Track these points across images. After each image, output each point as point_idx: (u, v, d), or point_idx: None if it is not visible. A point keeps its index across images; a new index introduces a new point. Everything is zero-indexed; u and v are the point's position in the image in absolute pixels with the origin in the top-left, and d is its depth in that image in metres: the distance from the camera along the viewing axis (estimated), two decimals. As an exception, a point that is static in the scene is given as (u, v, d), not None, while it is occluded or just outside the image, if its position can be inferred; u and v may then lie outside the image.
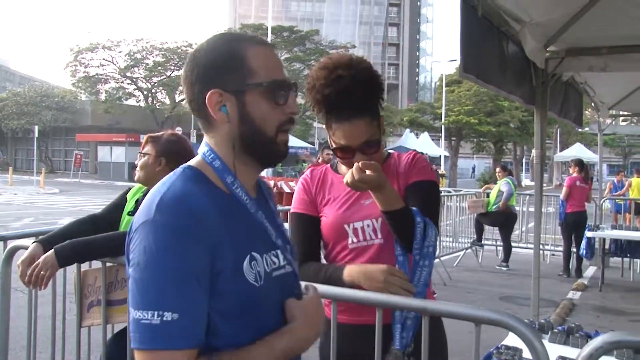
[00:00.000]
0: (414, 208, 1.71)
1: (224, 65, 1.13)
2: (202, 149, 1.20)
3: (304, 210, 1.91)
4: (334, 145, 1.82)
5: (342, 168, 1.91)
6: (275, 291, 1.16)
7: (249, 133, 1.14)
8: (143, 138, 2.78)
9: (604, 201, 9.74)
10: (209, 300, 1.03)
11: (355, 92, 1.71)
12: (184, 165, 1.17)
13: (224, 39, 1.17)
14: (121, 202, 2.72)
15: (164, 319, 0.96)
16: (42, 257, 2.22)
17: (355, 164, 1.63)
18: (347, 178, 1.64)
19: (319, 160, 8.40)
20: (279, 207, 9.14)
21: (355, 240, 1.82)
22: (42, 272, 2.20)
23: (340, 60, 1.77)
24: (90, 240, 2.29)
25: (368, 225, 1.81)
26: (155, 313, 0.96)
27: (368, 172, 1.60)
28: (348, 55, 1.81)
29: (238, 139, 1.15)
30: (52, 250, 2.23)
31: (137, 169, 2.64)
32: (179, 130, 23.94)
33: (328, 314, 1.78)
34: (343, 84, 1.71)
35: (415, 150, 1.91)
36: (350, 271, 1.72)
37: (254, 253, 1.10)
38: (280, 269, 1.18)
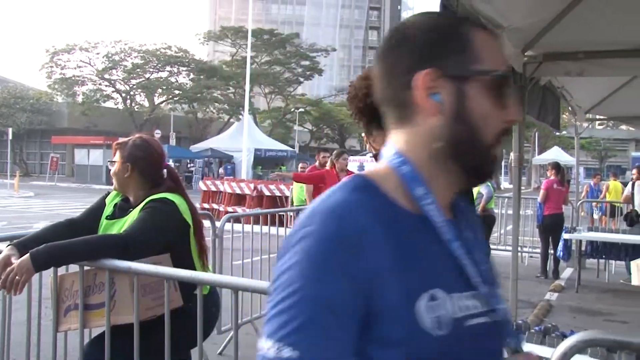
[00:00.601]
0: None
1: (443, 42, 0.88)
2: (388, 151, 0.93)
3: None
4: (374, 152, 1.89)
5: None
6: (468, 347, 0.86)
7: (463, 135, 0.87)
8: (119, 142, 2.76)
9: (581, 204, 9.90)
10: (365, 348, 0.80)
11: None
12: (356, 173, 0.92)
13: (440, 14, 0.94)
14: (100, 206, 2.69)
15: (281, 354, 0.76)
16: (17, 261, 2.17)
17: None
18: None
19: (316, 164, 8.36)
20: (259, 210, 8.85)
21: None
22: (17, 277, 2.15)
23: None
24: (67, 244, 2.25)
25: None
26: (274, 344, 0.77)
27: None
28: None
29: (447, 140, 0.88)
30: (28, 254, 2.18)
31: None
32: (157, 133, 23.58)
33: None
34: None
35: None
36: None
37: (437, 291, 0.83)
38: (477, 317, 0.88)
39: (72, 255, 2.26)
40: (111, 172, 2.62)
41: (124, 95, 39.92)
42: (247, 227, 5.34)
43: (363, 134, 1.93)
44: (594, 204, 13.79)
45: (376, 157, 1.90)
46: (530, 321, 3.75)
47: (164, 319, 2.18)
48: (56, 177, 32.71)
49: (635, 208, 8.86)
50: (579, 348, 1.25)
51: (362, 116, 1.84)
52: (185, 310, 2.35)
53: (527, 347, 2.21)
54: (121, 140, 2.68)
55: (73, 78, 38.88)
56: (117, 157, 2.60)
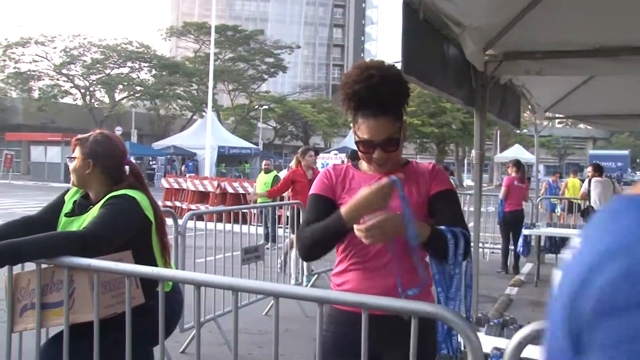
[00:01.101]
0: (442, 227, 1.79)
1: None
2: None
3: (321, 192, 1.99)
4: (357, 139, 1.92)
5: (364, 166, 2.01)
6: None
7: None
8: (77, 139, 2.69)
9: (540, 200, 10.14)
10: None
11: (383, 90, 1.83)
12: None
13: None
14: (58, 203, 2.62)
15: None
16: None
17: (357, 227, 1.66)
18: (359, 233, 1.66)
19: (291, 165, 8.24)
20: (222, 208, 8.60)
21: None
22: None
23: (373, 62, 1.92)
24: (22, 241, 2.18)
25: None
26: None
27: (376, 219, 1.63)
28: (381, 60, 1.96)
29: None
30: None
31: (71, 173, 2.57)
32: (118, 130, 23.20)
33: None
34: (373, 82, 1.83)
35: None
36: (347, 206, 1.76)
37: None
38: None
39: (28, 253, 2.19)
40: (71, 168, 2.56)
41: (83, 91, 38.99)
42: (210, 225, 5.29)
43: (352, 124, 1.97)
44: (556, 200, 14.13)
45: (358, 145, 1.93)
46: (491, 315, 3.81)
47: (124, 317, 2.14)
48: (10, 174, 31.70)
49: (592, 204, 9.14)
50: (533, 337, 1.27)
51: (349, 103, 1.89)
52: (146, 307, 2.31)
53: (487, 339, 2.25)
54: (81, 136, 2.61)
55: (28, 73, 37.69)
56: (77, 153, 2.54)
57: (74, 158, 2.53)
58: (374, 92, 1.83)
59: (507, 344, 1.32)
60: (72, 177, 2.56)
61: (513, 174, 8.88)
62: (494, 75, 4.81)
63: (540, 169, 14.03)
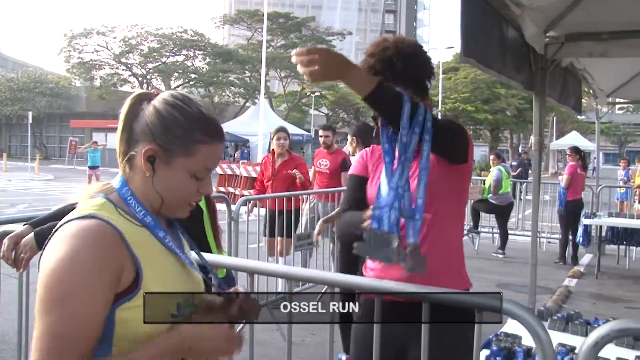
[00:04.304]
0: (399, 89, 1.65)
1: None
2: None
3: (356, 172, 2.04)
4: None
5: None
6: None
7: None
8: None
9: (601, 189, 9.74)
10: None
11: (397, 62, 1.79)
12: None
13: None
14: None
15: None
16: (24, 238, 2.19)
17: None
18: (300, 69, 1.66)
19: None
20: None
21: None
22: (22, 255, 2.16)
23: (390, 37, 1.89)
24: None
25: None
26: None
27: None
28: (400, 35, 1.94)
29: None
30: (32, 233, 2.19)
31: None
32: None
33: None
34: (387, 54, 1.81)
35: None
36: None
37: None
38: None
39: None
40: None
41: (140, 79, 40.03)
42: (263, 211, 5.32)
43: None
44: (623, 189, 13.48)
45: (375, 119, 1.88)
46: (549, 307, 3.68)
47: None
48: (75, 160, 32.99)
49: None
50: (612, 337, 1.18)
51: None
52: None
53: (550, 334, 2.16)
54: None
55: (91, 62, 39.05)
56: None
57: None
58: (388, 65, 1.79)
59: (582, 344, 1.23)
60: None
61: (573, 162, 8.54)
62: (554, 58, 4.61)
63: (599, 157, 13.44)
